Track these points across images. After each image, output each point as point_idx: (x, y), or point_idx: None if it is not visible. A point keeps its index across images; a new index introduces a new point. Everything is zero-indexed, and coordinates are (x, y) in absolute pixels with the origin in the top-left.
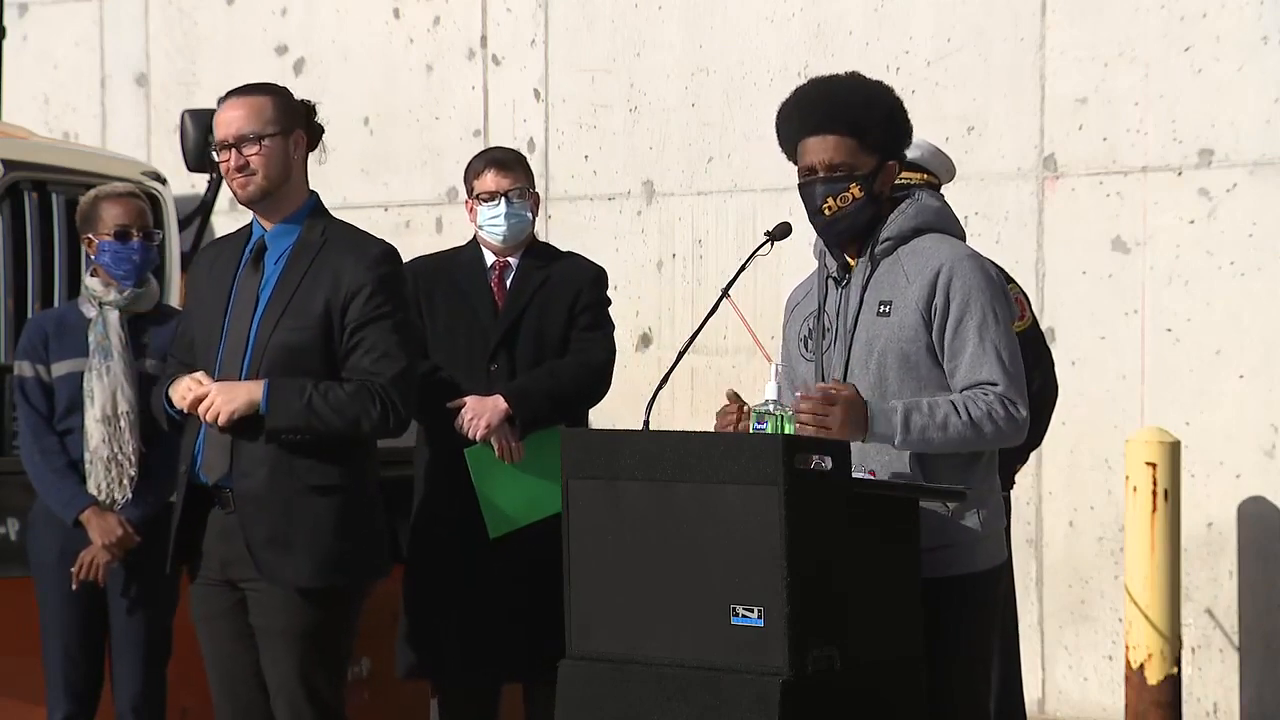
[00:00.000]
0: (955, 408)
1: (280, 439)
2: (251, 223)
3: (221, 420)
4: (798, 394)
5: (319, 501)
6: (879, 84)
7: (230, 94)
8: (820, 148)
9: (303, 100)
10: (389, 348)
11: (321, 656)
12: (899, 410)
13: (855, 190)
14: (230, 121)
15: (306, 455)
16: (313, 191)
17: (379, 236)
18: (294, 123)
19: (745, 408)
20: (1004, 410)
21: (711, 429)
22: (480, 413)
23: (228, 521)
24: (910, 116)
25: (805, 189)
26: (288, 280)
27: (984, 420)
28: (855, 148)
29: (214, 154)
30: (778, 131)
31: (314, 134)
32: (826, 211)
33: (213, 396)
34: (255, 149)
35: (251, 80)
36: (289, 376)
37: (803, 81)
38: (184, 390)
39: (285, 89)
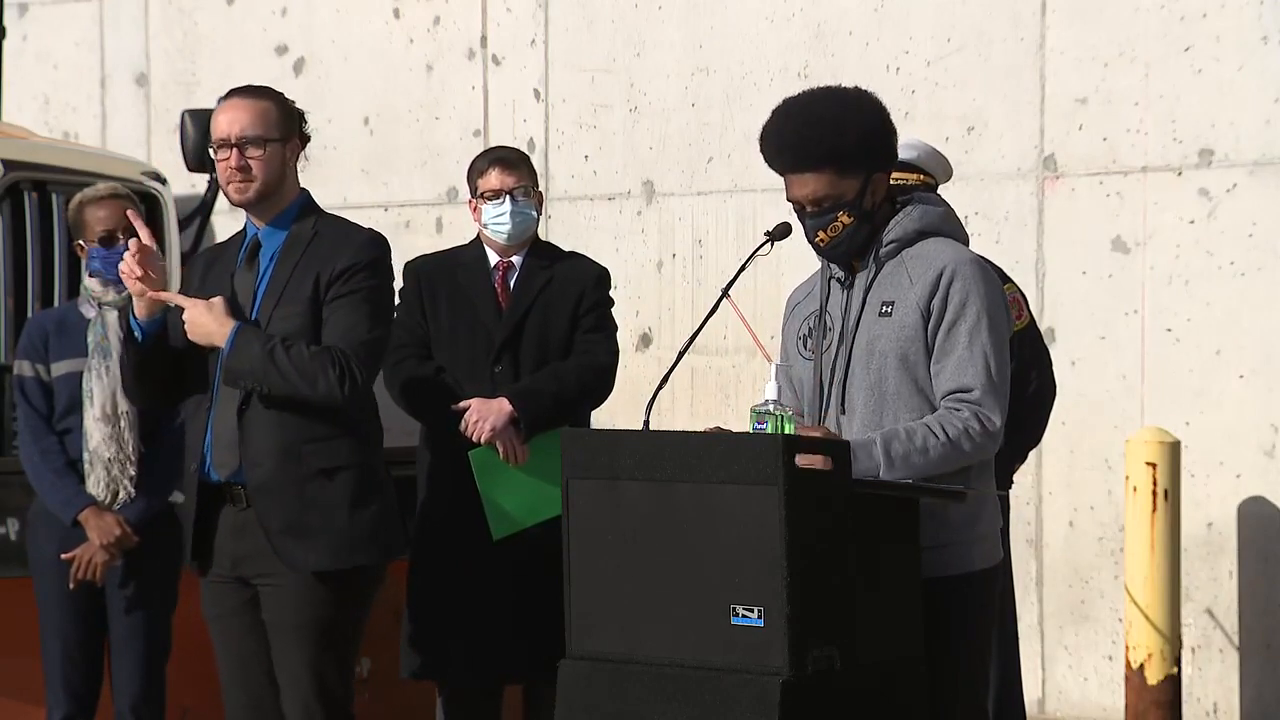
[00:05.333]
0: (931, 429)
1: (238, 384)
2: (246, 225)
3: (186, 324)
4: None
5: (329, 485)
6: (852, 100)
7: (233, 93)
8: (800, 184)
9: (296, 106)
10: (357, 319)
11: (333, 651)
12: (877, 442)
13: (844, 218)
14: (234, 121)
15: (312, 440)
16: (303, 189)
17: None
18: (292, 129)
19: None
20: (979, 424)
21: (705, 428)
22: (485, 415)
23: (239, 518)
24: (909, 116)
25: (798, 217)
26: (280, 272)
27: (961, 438)
28: (834, 178)
29: (211, 150)
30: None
31: (304, 140)
32: (820, 242)
33: (190, 311)
34: (259, 152)
35: (252, 80)
36: None
37: (781, 103)
38: (162, 294)
39: (283, 94)
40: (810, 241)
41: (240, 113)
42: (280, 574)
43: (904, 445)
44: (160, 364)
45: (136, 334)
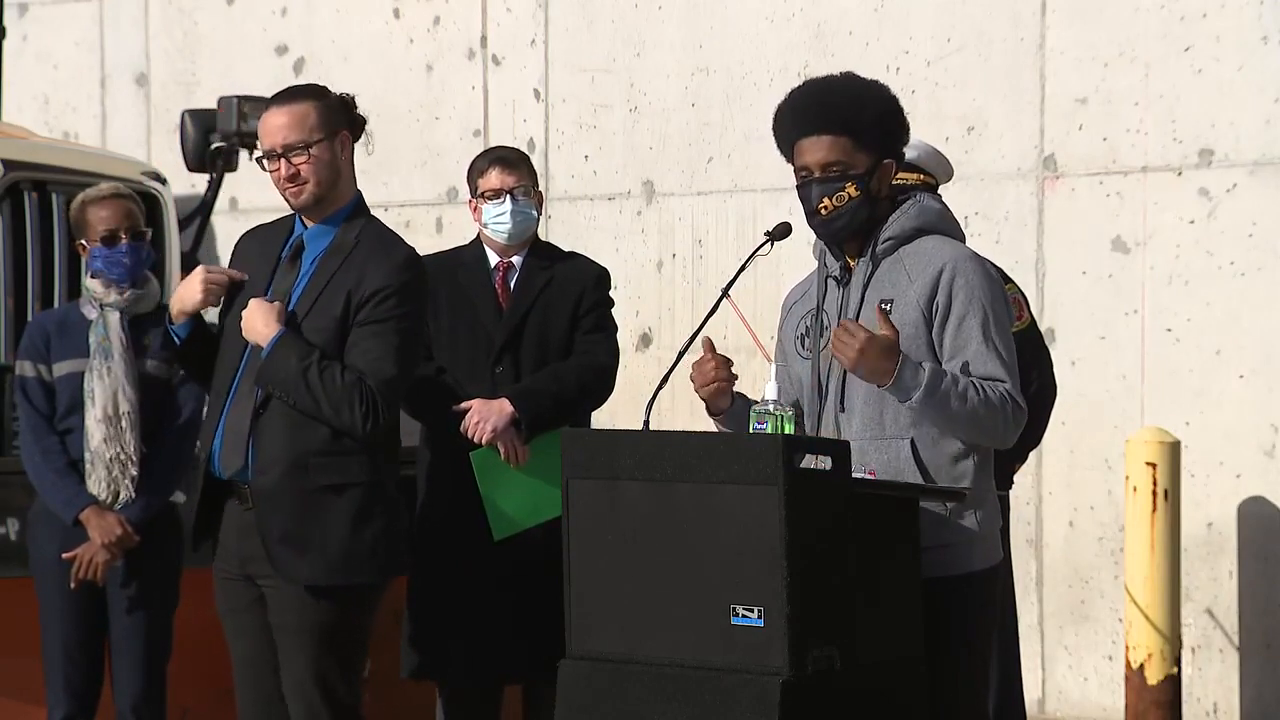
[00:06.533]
0: (975, 385)
1: (265, 388)
2: (295, 216)
3: (243, 321)
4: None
5: (333, 500)
6: (874, 83)
7: (272, 101)
8: (814, 148)
9: (341, 96)
10: (386, 351)
11: (337, 654)
12: (926, 368)
13: (851, 189)
14: (276, 130)
15: (322, 453)
16: (357, 190)
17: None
18: (338, 124)
19: (731, 365)
20: (1012, 403)
21: (705, 428)
22: (486, 416)
23: (245, 517)
24: (909, 116)
25: (802, 189)
26: (317, 282)
27: (1001, 403)
28: (849, 146)
29: (261, 163)
30: (774, 133)
31: (356, 127)
32: (823, 211)
33: (250, 309)
34: (304, 158)
35: (252, 80)
36: None
37: (802, 81)
38: (220, 278)
39: (324, 89)
40: (812, 213)
41: (280, 120)
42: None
43: (948, 383)
44: (211, 355)
45: (174, 339)
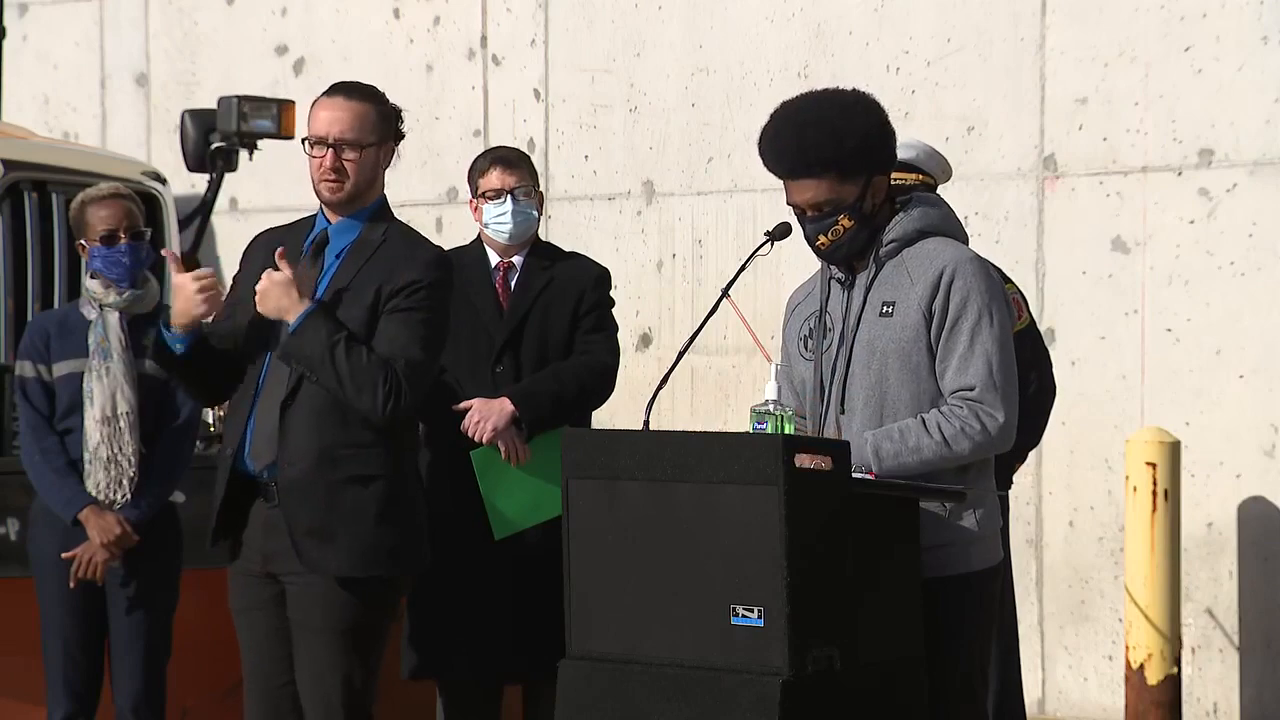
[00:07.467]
0: (926, 428)
1: (290, 363)
2: (316, 215)
3: (257, 295)
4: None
5: (361, 492)
6: (850, 104)
7: (335, 90)
8: (800, 190)
9: (394, 105)
10: (413, 337)
11: (357, 653)
12: (869, 442)
13: (844, 221)
14: (334, 121)
15: (350, 445)
16: (383, 193)
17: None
18: (388, 133)
19: None
20: (978, 423)
21: (711, 429)
22: (487, 415)
23: (271, 515)
24: (909, 116)
25: (798, 220)
26: (343, 274)
27: (958, 437)
28: (834, 183)
29: (305, 144)
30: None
31: (398, 139)
32: (821, 246)
33: (265, 282)
34: (354, 155)
35: (252, 80)
36: None
37: (779, 106)
38: (211, 281)
39: (383, 95)
40: (810, 245)
41: (341, 113)
42: (308, 574)
43: (895, 445)
44: (212, 368)
45: (178, 347)
